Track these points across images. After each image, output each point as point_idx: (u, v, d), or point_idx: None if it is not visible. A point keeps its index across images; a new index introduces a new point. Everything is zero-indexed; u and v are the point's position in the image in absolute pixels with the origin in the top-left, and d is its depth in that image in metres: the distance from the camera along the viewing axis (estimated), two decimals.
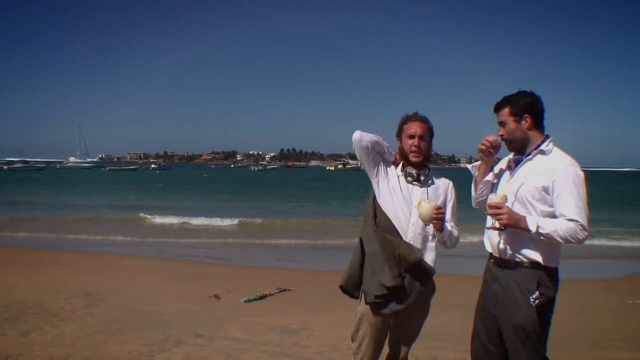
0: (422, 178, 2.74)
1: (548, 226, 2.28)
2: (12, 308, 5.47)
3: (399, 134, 2.81)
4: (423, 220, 2.65)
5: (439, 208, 2.57)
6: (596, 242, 12.57)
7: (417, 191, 2.73)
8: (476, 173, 2.72)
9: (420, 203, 2.64)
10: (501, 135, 2.54)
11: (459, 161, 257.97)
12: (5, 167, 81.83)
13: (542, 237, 2.30)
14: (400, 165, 2.78)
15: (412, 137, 2.73)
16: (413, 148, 2.72)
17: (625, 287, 7.94)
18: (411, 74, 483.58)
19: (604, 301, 6.75)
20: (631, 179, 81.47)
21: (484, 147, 2.55)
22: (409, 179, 2.73)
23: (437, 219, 2.56)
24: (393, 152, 2.80)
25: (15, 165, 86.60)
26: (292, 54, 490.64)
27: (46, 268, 8.30)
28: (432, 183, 2.78)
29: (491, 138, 2.54)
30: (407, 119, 2.78)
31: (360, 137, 2.68)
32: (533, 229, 2.28)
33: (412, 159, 2.72)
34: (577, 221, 2.26)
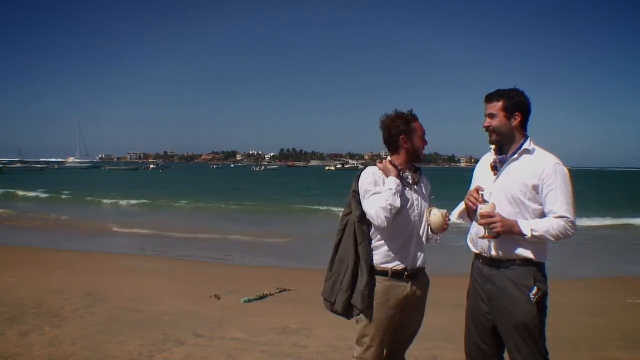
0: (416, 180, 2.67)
1: (540, 228, 2.32)
2: (12, 308, 5.47)
3: (407, 132, 2.58)
4: (434, 230, 2.58)
5: (447, 215, 2.55)
6: None
7: (416, 195, 2.64)
8: (463, 214, 2.66)
9: (430, 211, 2.56)
10: (486, 127, 2.50)
11: (458, 161, 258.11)
12: (2, 167, 72.79)
13: (535, 239, 2.33)
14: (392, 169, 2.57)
15: (423, 136, 2.64)
16: (423, 148, 2.66)
17: (625, 286, 7.92)
18: (412, 74, 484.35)
19: (604, 301, 6.73)
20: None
21: (469, 203, 2.51)
22: (408, 182, 2.61)
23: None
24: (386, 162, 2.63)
25: (14, 166, 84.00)
26: (293, 54, 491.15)
27: (46, 268, 8.29)
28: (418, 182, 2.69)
29: (475, 194, 2.49)
30: (414, 117, 2.61)
31: (376, 215, 2.44)
32: (528, 233, 2.31)
33: (422, 158, 2.67)
34: (567, 218, 2.32)
